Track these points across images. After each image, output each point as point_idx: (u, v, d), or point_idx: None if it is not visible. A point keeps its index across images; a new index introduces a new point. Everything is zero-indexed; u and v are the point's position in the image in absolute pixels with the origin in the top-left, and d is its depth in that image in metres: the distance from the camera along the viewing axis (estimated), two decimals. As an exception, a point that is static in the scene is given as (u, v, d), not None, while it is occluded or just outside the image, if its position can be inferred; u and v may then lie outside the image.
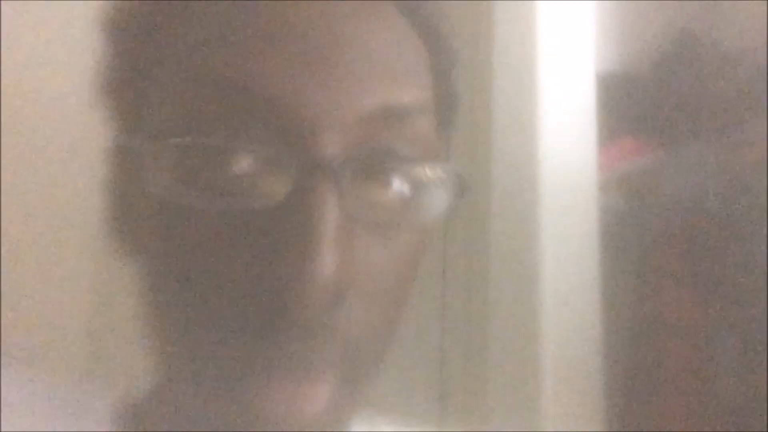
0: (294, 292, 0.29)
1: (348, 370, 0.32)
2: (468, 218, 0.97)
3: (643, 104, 1.36)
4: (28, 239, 1.11)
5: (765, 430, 0.90)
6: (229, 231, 0.31)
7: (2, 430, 0.37)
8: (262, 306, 0.30)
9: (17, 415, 0.38)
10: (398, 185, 0.34)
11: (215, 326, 0.31)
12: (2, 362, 0.42)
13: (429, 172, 0.34)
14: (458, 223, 0.98)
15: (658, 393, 1.04)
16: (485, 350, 0.91)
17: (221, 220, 0.31)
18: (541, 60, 1.06)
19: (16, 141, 1.22)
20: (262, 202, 0.31)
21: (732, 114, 1.28)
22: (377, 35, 0.33)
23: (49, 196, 1.18)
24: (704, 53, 1.42)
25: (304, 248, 0.29)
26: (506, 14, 1.08)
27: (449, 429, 0.55)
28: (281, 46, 0.31)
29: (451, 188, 0.35)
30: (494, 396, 0.88)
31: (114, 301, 1.08)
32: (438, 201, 0.34)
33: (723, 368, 1.03)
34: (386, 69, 0.33)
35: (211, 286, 0.31)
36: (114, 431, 0.40)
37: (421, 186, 0.34)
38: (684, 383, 1.03)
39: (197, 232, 0.31)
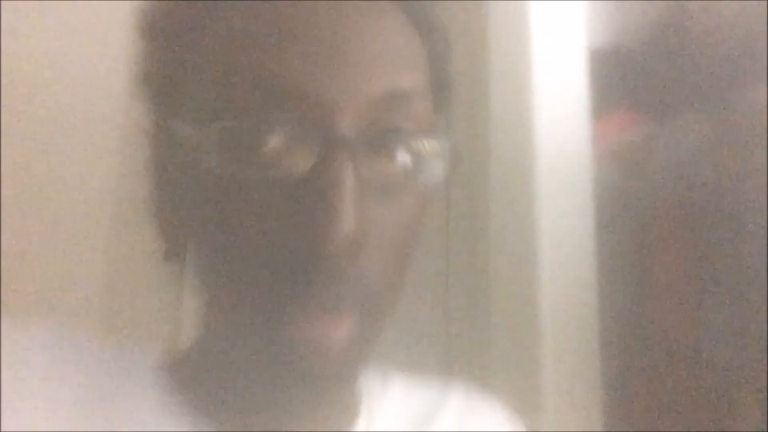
0: (321, 243, 0.36)
1: (366, 308, 0.39)
2: (468, 188, 1.01)
3: (636, 77, 1.37)
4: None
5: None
6: (265, 196, 0.38)
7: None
8: (295, 256, 0.37)
9: (72, 375, 0.44)
10: (402, 157, 0.41)
11: (256, 275, 0.38)
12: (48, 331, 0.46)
13: (427, 145, 0.41)
14: (459, 192, 1.02)
15: (651, 358, 1.07)
16: (487, 309, 0.97)
17: (258, 188, 0.38)
18: (534, 38, 1.08)
19: (29, 117, 1.28)
20: (292, 172, 0.38)
21: (726, 82, 1.30)
22: (380, 31, 0.39)
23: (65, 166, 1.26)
24: (696, 22, 1.43)
25: (328, 208, 0.36)
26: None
27: (455, 380, 0.60)
28: (302, 43, 0.37)
29: (447, 159, 0.41)
30: (496, 350, 0.95)
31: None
32: (435, 170, 0.41)
33: (713, 334, 1.06)
34: (389, 59, 0.39)
35: (251, 243, 0.38)
36: (162, 385, 0.46)
37: (421, 157, 0.41)
38: (675, 348, 1.06)
39: (238, 199, 0.38)
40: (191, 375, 0.46)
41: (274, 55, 0.37)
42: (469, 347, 0.98)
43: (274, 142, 0.37)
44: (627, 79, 1.35)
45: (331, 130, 0.37)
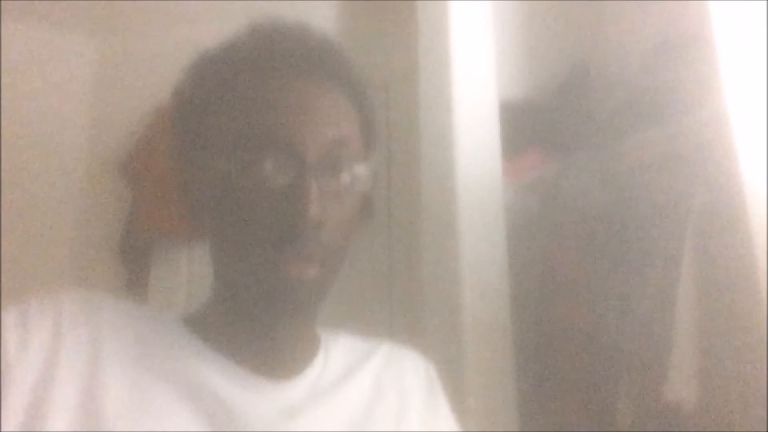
0: (299, 222, 0.60)
1: (325, 261, 0.63)
2: (405, 207, 1.26)
3: (544, 124, 1.62)
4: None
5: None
6: (264, 197, 0.61)
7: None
8: (282, 231, 0.61)
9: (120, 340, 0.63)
10: (344, 176, 0.64)
11: (258, 242, 0.61)
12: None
13: (360, 169, 0.65)
14: (396, 210, 1.27)
15: (553, 341, 1.32)
16: (422, 288, 1.20)
17: (259, 192, 0.61)
18: (456, 91, 1.35)
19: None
20: (280, 184, 0.61)
21: (619, 127, 1.52)
22: (329, 102, 0.65)
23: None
24: (595, 78, 1.69)
25: (301, 205, 0.60)
26: (427, 59, 1.37)
27: (397, 337, 0.83)
28: (285, 109, 0.63)
29: (372, 178, 0.67)
30: (429, 316, 1.18)
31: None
32: (365, 184, 0.66)
33: (604, 323, 1.31)
34: (334, 118, 0.65)
35: (255, 224, 0.61)
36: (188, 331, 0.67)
37: (356, 176, 0.65)
38: (574, 333, 1.31)
39: (247, 198, 0.61)
40: (212, 321, 0.67)
41: (269, 115, 0.62)
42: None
43: (269, 165, 0.61)
44: (536, 126, 1.60)
45: (303, 160, 0.61)
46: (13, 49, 2.15)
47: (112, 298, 0.67)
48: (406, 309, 1.30)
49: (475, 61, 1.41)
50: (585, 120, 1.61)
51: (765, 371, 0.98)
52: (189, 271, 1.85)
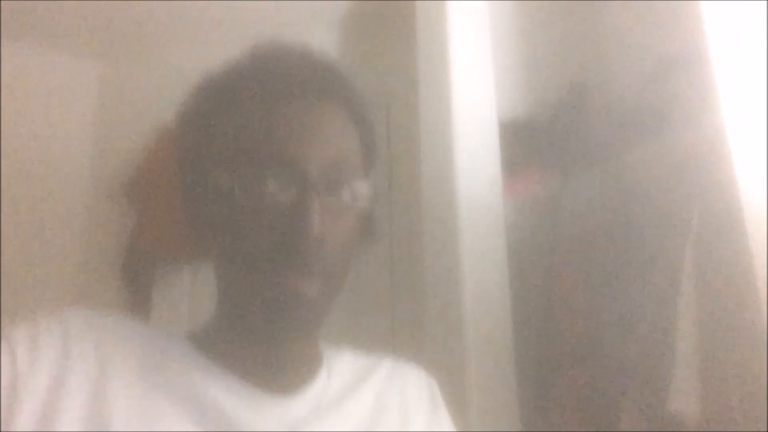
0: (301, 239, 0.61)
1: (326, 276, 0.63)
2: (406, 224, 1.27)
3: (543, 142, 1.63)
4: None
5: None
6: (264, 217, 0.62)
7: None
8: (286, 247, 0.61)
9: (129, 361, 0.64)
10: (345, 193, 0.66)
11: (263, 259, 0.62)
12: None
13: (360, 187, 0.66)
14: (397, 227, 1.28)
15: (556, 360, 1.32)
16: (424, 305, 1.21)
17: (265, 209, 0.62)
18: (456, 111, 1.36)
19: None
20: (284, 200, 0.62)
21: (617, 144, 1.54)
22: (332, 123, 0.67)
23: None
24: (592, 96, 1.71)
25: (304, 220, 0.61)
26: (427, 78, 1.39)
27: (399, 353, 0.83)
28: (290, 129, 0.64)
29: (373, 195, 0.67)
30: (432, 332, 1.18)
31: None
32: (365, 201, 0.67)
33: (606, 341, 1.31)
34: (336, 138, 0.66)
35: (260, 240, 0.62)
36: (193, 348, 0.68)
37: (358, 194, 0.66)
38: (576, 349, 1.31)
39: (244, 219, 0.62)
40: (215, 337, 0.69)
41: (271, 134, 0.64)
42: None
43: (272, 184, 0.62)
44: (535, 144, 1.61)
45: (305, 178, 0.62)
46: (16, 72, 2.18)
47: (117, 315, 0.68)
48: (408, 324, 1.31)
49: (474, 79, 1.43)
50: (584, 137, 1.62)
51: (766, 382, 0.99)
52: (192, 290, 1.87)
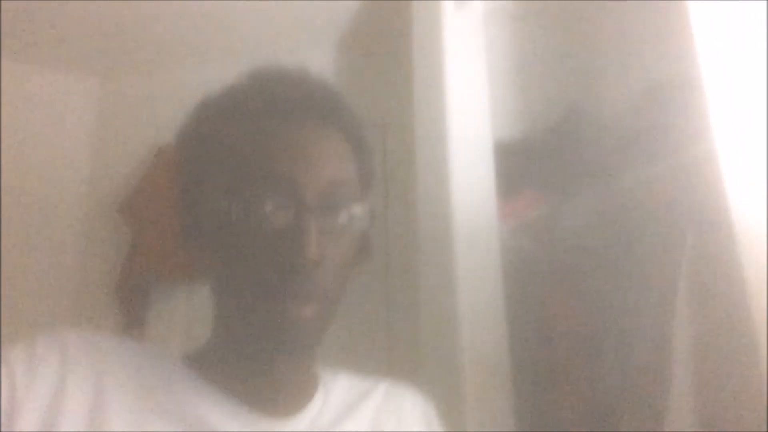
0: (297, 262, 0.61)
1: (322, 300, 0.63)
2: (402, 246, 1.28)
3: (539, 165, 1.64)
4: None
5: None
6: (261, 239, 0.62)
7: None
8: (282, 270, 0.61)
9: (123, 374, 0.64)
10: (342, 216, 0.66)
11: (258, 282, 0.62)
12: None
13: (356, 209, 0.66)
14: (393, 249, 1.28)
15: (552, 381, 1.32)
16: (420, 325, 1.21)
17: (260, 232, 0.62)
18: (452, 133, 1.37)
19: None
20: (281, 224, 0.62)
21: (612, 167, 1.54)
22: (329, 146, 0.67)
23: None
24: (587, 119, 1.72)
25: (301, 243, 0.61)
26: (423, 102, 1.40)
27: (395, 375, 0.83)
28: (286, 152, 0.64)
29: (370, 218, 0.68)
30: (428, 353, 1.18)
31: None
32: (362, 223, 0.67)
33: (602, 363, 1.31)
34: (333, 162, 0.66)
35: (256, 263, 0.62)
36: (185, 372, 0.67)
37: (354, 216, 0.66)
38: (573, 372, 1.31)
39: (241, 242, 0.62)
40: (211, 359, 0.69)
41: (269, 157, 0.64)
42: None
43: (269, 206, 0.62)
44: (531, 167, 1.62)
45: (302, 201, 0.62)
46: (14, 90, 2.19)
47: (113, 336, 0.68)
48: (404, 347, 1.31)
49: (469, 102, 1.44)
50: (579, 160, 1.63)
51: (765, 403, 0.97)
52: (188, 312, 1.87)
